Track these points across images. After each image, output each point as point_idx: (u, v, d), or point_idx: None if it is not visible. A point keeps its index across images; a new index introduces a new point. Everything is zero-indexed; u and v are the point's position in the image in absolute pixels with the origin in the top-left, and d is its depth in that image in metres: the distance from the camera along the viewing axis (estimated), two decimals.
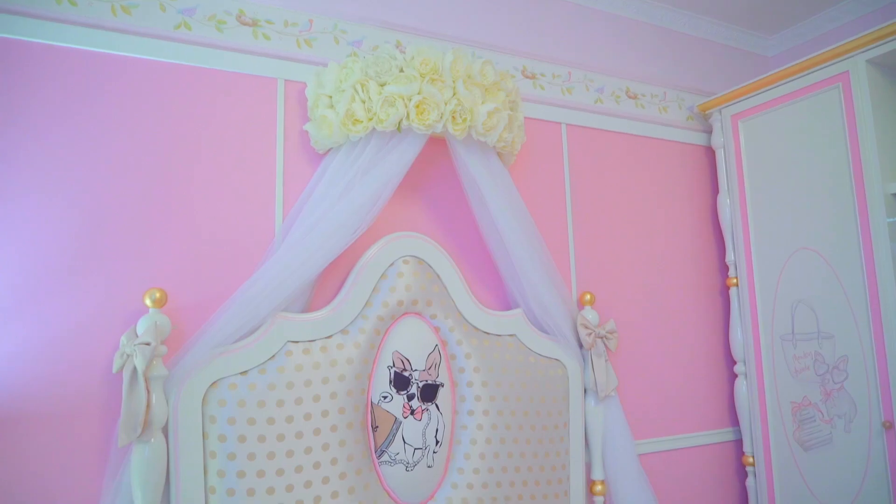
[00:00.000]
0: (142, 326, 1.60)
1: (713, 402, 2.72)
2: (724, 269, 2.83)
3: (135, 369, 1.55)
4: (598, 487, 2.27)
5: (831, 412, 2.31)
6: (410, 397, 1.92)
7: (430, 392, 1.95)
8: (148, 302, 1.63)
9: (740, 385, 2.65)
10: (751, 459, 2.60)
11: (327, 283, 1.96)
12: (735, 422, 2.75)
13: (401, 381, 1.90)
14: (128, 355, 1.57)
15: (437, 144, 2.11)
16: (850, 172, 2.24)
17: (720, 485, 2.69)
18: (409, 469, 1.89)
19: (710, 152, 2.90)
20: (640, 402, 2.50)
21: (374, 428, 1.87)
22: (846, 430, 2.25)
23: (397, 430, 1.89)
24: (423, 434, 1.93)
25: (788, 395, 2.45)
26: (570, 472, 2.18)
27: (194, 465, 1.61)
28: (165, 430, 1.61)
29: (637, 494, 2.21)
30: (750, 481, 2.61)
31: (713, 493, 2.67)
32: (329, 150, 1.97)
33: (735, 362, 2.69)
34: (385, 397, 1.88)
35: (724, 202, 2.71)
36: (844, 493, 2.24)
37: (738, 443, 2.75)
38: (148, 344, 1.55)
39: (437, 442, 1.95)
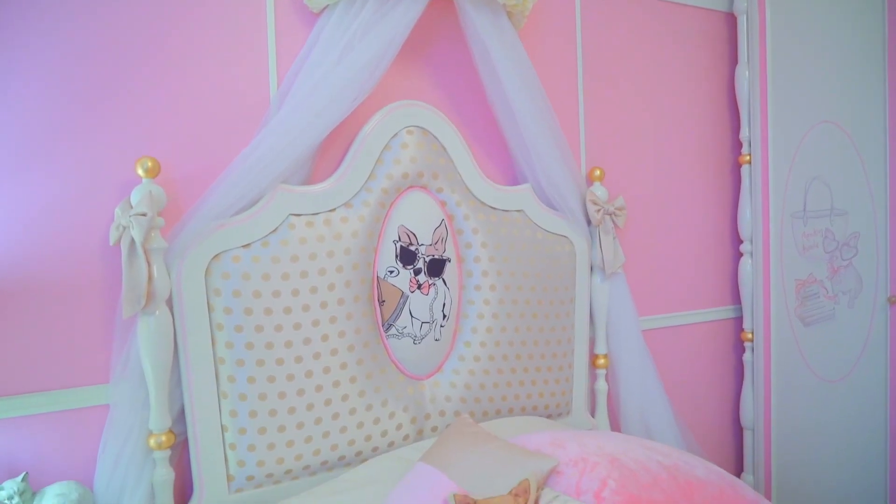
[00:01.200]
0: (136, 197, 1.52)
1: (717, 280, 2.73)
2: (737, 146, 2.73)
3: (133, 241, 1.49)
4: (601, 361, 2.31)
5: (836, 289, 2.31)
6: (417, 272, 1.88)
7: (436, 267, 1.92)
8: (140, 171, 1.54)
9: (745, 263, 2.63)
10: (750, 335, 2.64)
11: (328, 155, 1.87)
12: (736, 300, 2.76)
13: (407, 256, 1.86)
14: (124, 227, 1.50)
15: (442, 4, 1.93)
16: (883, 43, 2.09)
17: (719, 360, 2.75)
18: (417, 342, 1.90)
19: (731, 19, 2.70)
20: (645, 279, 2.49)
21: (381, 302, 1.85)
22: (849, 305, 2.26)
23: (404, 304, 1.87)
24: (431, 308, 1.91)
25: (794, 272, 2.44)
26: (574, 346, 2.20)
27: (202, 338, 1.60)
28: (170, 303, 1.58)
29: (639, 368, 2.25)
30: (747, 356, 2.66)
31: (712, 367, 2.73)
32: (325, 7, 1.80)
33: (741, 241, 2.66)
34: (391, 272, 1.85)
35: (743, 74, 2.56)
36: (841, 366, 2.29)
37: (738, 320, 2.78)
38: (144, 214, 1.48)
39: (445, 316, 1.95)
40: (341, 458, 1.76)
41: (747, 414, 2.65)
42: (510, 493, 1.20)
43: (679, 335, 2.62)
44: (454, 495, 1.21)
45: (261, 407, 1.63)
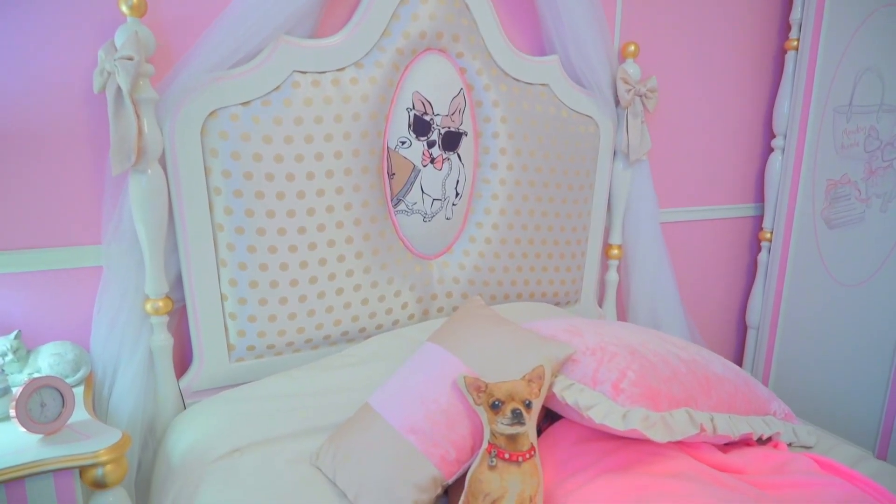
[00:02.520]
0: (120, 38, 1.35)
1: (741, 176, 2.59)
2: (785, 29, 2.48)
3: (119, 89, 1.33)
4: (615, 252, 2.22)
5: (870, 191, 2.18)
6: (431, 144, 1.74)
7: (452, 140, 1.77)
8: (124, 8, 1.35)
9: (775, 160, 2.48)
10: (768, 235, 2.54)
11: (336, 9, 1.66)
12: (759, 198, 2.64)
13: (421, 126, 1.71)
14: (109, 73, 1.34)
15: None
16: None
17: (732, 259, 2.68)
18: (427, 220, 1.79)
19: None
20: (666, 168, 2.35)
21: (391, 175, 1.72)
22: (882, 209, 2.15)
23: (415, 178, 1.74)
24: (443, 185, 1.79)
25: (827, 171, 2.30)
26: (589, 234, 2.11)
27: (198, 202, 1.49)
28: (163, 162, 1.45)
29: (653, 260, 2.17)
30: (763, 256, 2.58)
31: (724, 265, 2.66)
32: None
33: (774, 136, 2.49)
34: (403, 142, 1.70)
35: None
36: (861, 272, 2.21)
37: (757, 219, 2.68)
38: (130, 58, 1.31)
39: (457, 194, 1.83)
40: (344, 333, 1.71)
41: (754, 313, 2.61)
42: (523, 378, 1.14)
43: (694, 230, 2.52)
44: (465, 377, 1.15)
45: (262, 277, 1.55)
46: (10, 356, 1.35)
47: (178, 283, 1.55)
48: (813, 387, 2.34)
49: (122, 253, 1.46)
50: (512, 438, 1.07)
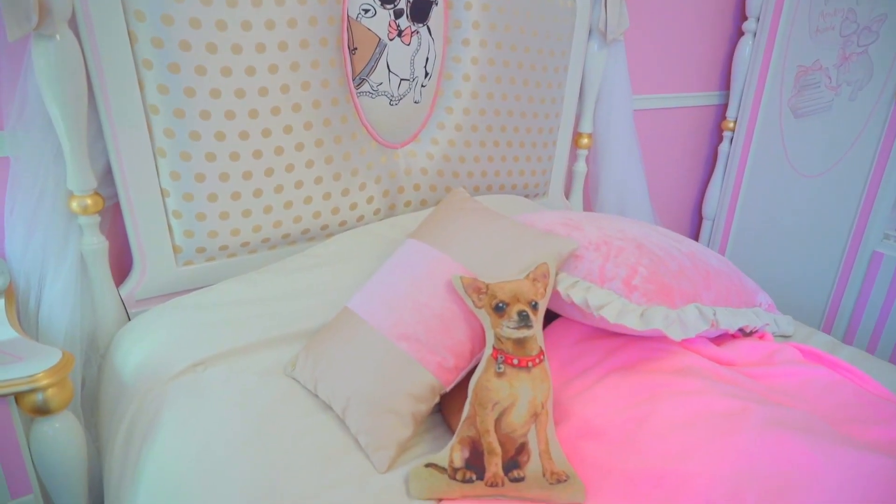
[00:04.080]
0: None
1: (708, 62, 2.49)
2: None
3: None
4: (585, 140, 2.12)
5: (841, 79, 2.14)
6: (398, 14, 1.52)
7: (421, 10, 1.55)
8: None
9: (745, 45, 2.39)
10: (731, 125, 2.50)
11: None
12: (723, 86, 2.58)
13: None
14: None
15: None
16: None
17: (691, 149, 2.64)
18: (394, 103, 1.60)
19: None
20: (635, 54, 2.21)
21: (353, 50, 1.50)
22: (851, 98, 2.12)
23: (381, 54, 1.53)
24: (412, 62, 1.59)
25: (798, 57, 2.23)
26: (560, 121, 1.98)
27: (124, 77, 1.24)
28: (74, 26, 1.18)
29: (625, 148, 2.09)
30: (723, 146, 2.56)
31: (683, 155, 2.63)
32: None
33: (746, 18, 2.39)
34: (366, 11, 1.48)
35: None
36: (824, 161, 2.22)
37: (720, 108, 2.63)
38: None
39: (427, 74, 1.64)
40: (305, 231, 1.55)
41: (711, 204, 2.63)
42: (527, 277, 1.04)
43: (655, 119, 2.44)
44: (461, 278, 1.04)
45: (209, 169, 1.35)
46: None
47: (108, 176, 1.32)
48: (764, 276, 2.41)
49: (32, 141, 1.22)
50: (519, 343, 0.99)
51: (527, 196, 2.00)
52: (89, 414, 1.33)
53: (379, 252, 1.46)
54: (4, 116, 1.22)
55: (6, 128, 1.21)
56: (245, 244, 1.47)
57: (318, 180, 1.51)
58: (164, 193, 1.35)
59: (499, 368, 0.98)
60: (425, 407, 1.05)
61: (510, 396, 0.96)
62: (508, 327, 0.99)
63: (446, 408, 1.11)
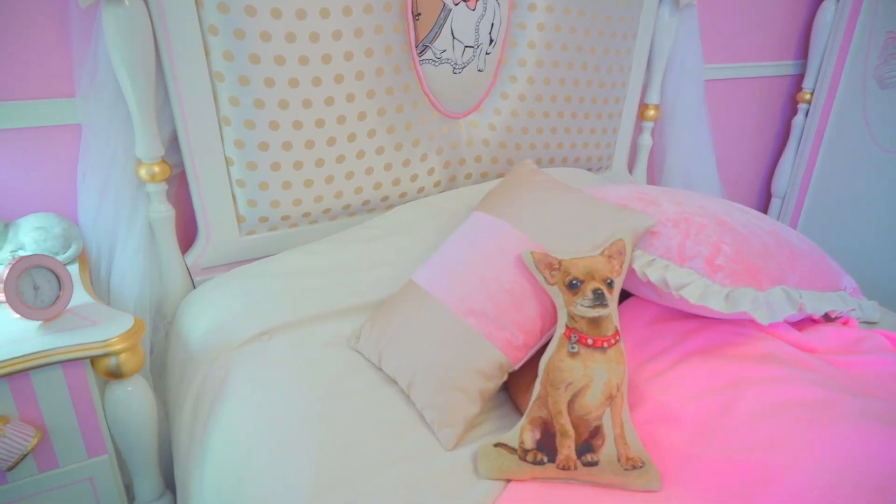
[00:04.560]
0: None
1: (785, 28, 2.34)
2: None
3: None
4: (651, 112, 2.03)
5: None
6: None
7: None
8: None
9: (827, 9, 2.23)
10: (808, 96, 2.36)
11: None
12: (800, 55, 2.42)
13: None
14: None
15: None
16: None
17: (763, 122, 2.50)
18: (457, 71, 1.56)
19: None
20: (706, 21, 2.09)
21: (416, 15, 1.45)
22: None
23: (445, 19, 1.48)
24: (477, 28, 1.53)
25: (888, 22, 2.07)
26: (627, 91, 1.89)
27: (190, 44, 1.22)
28: None
29: (694, 121, 1.99)
30: (798, 119, 2.41)
31: (753, 130, 2.50)
32: None
33: None
34: None
35: None
36: None
37: (796, 78, 2.47)
38: None
39: (491, 41, 1.58)
40: (365, 202, 1.53)
41: (781, 181, 2.49)
42: (602, 254, 1.00)
43: (725, 90, 2.31)
44: (532, 253, 1.00)
45: (273, 138, 1.33)
46: None
47: (174, 143, 1.33)
48: (839, 259, 2.28)
49: (103, 108, 1.23)
50: (594, 322, 0.95)
51: (589, 169, 1.93)
52: (157, 379, 1.35)
53: (441, 224, 1.43)
54: (76, 83, 1.22)
55: (78, 94, 1.22)
56: (306, 214, 1.46)
57: (380, 150, 1.49)
58: (228, 162, 1.35)
59: (572, 348, 0.94)
60: (493, 384, 1.03)
61: (584, 378, 0.92)
62: (583, 305, 0.95)
63: (513, 386, 1.09)
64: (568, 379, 0.92)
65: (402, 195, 1.58)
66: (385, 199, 1.56)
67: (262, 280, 1.32)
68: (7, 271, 0.99)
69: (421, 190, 1.61)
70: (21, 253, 1.19)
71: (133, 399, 1.08)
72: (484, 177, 1.72)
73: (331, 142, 1.40)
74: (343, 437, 0.97)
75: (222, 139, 1.32)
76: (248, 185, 1.37)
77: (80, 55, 1.21)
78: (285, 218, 1.44)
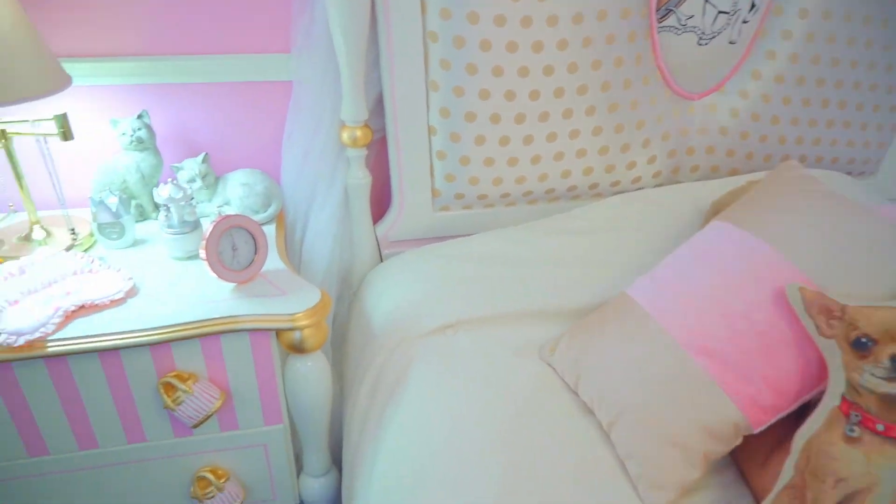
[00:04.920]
0: None
1: None
2: None
3: None
4: None
5: None
6: None
7: None
8: None
9: None
10: None
11: None
12: None
13: None
14: None
15: None
16: None
17: None
18: (703, 42, 1.29)
19: None
20: None
21: None
22: None
23: None
24: None
25: None
26: None
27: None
28: None
29: None
30: None
31: None
32: None
33: None
34: None
35: None
36: None
37: None
38: None
39: (753, 6, 1.28)
40: (571, 188, 1.35)
41: None
42: None
43: None
44: (801, 289, 0.76)
45: (481, 108, 1.20)
46: (198, 182, 1.17)
47: (377, 108, 1.25)
48: None
49: (314, 66, 1.18)
50: (889, 401, 0.69)
51: (849, 173, 1.55)
52: (336, 350, 1.32)
53: (662, 225, 1.21)
54: (293, 39, 1.18)
55: (293, 50, 1.18)
56: (505, 195, 1.32)
57: (597, 131, 1.29)
58: (431, 131, 1.24)
59: (851, 431, 0.70)
60: (722, 448, 0.82)
61: (866, 477, 0.68)
62: (874, 376, 0.70)
63: (745, 451, 0.86)
64: (840, 472, 0.69)
65: (615, 184, 1.37)
66: (594, 186, 1.36)
67: (452, 263, 1.22)
68: (210, 230, 0.97)
69: (637, 180, 1.39)
70: (226, 208, 1.20)
71: (312, 374, 1.04)
72: (714, 171, 1.44)
73: (543, 117, 1.23)
74: (529, 468, 0.83)
75: (428, 106, 1.22)
76: (449, 158, 1.26)
77: (298, 11, 1.17)
78: (482, 197, 1.31)
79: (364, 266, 1.33)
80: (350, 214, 1.30)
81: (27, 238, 1.09)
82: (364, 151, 1.25)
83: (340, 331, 1.34)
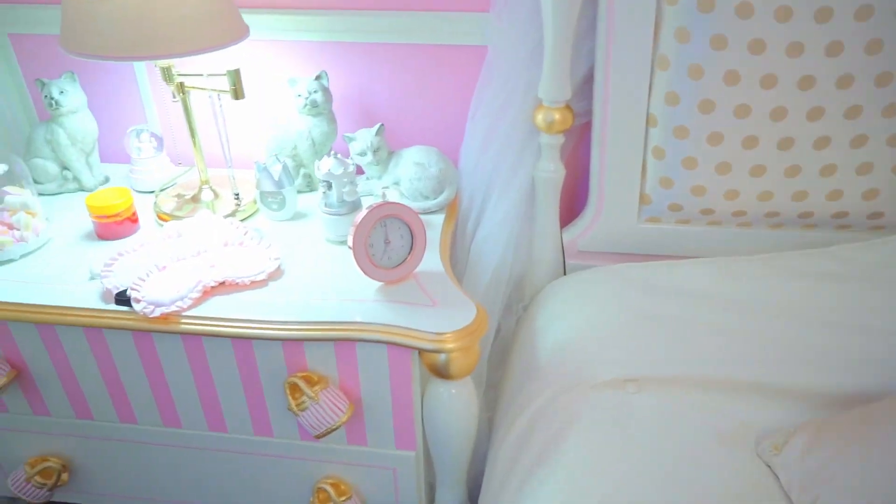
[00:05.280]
0: None
1: None
2: None
3: None
4: None
5: None
6: None
7: None
8: None
9: None
10: None
11: None
12: None
13: None
14: None
15: None
16: None
17: None
18: None
19: None
20: None
21: None
22: None
23: None
24: None
25: None
26: None
27: None
28: None
29: None
30: None
31: None
32: None
33: None
34: None
35: None
36: None
37: None
38: None
39: None
40: (838, 214, 0.99)
41: None
42: None
43: None
44: None
45: (724, 97, 0.91)
46: (369, 156, 1.04)
47: (582, 88, 1.01)
48: None
49: (514, 29, 0.97)
50: None
51: None
52: (494, 369, 1.13)
53: None
54: None
55: (491, 9, 0.98)
56: (739, 213, 1.01)
57: (894, 140, 0.91)
58: (650, 121, 0.98)
59: None
60: None
61: None
62: None
63: None
64: None
65: (876, 218, 0.98)
66: (805, 215, 0.99)
67: (651, 293, 0.96)
68: (362, 216, 0.83)
69: None
70: (393, 189, 1.07)
71: (455, 403, 0.87)
72: None
73: (815, 114, 0.89)
74: None
75: (650, 88, 0.95)
76: (668, 157, 0.98)
77: None
78: (707, 211, 1.02)
79: (542, 276, 1.12)
80: (533, 213, 1.09)
81: (195, 199, 1.06)
82: (560, 139, 1.02)
83: (502, 346, 1.14)
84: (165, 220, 1.01)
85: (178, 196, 1.07)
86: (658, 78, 0.93)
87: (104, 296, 0.86)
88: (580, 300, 1.00)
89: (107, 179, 1.15)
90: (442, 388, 0.86)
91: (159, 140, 1.14)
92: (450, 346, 0.79)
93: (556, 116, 0.99)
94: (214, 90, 0.95)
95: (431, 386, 0.87)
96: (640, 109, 0.97)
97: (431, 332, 0.80)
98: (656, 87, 0.94)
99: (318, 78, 1.03)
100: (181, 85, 0.97)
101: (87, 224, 1.01)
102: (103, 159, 1.18)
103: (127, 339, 0.87)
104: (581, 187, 1.12)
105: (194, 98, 1.00)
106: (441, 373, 0.83)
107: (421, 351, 0.82)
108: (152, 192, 1.10)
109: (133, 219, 1.01)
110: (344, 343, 0.83)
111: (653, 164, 1.00)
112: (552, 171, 1.05)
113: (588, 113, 1.02)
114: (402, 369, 0.85)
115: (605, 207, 1.07)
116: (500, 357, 1.14)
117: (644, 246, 1.09)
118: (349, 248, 0.84)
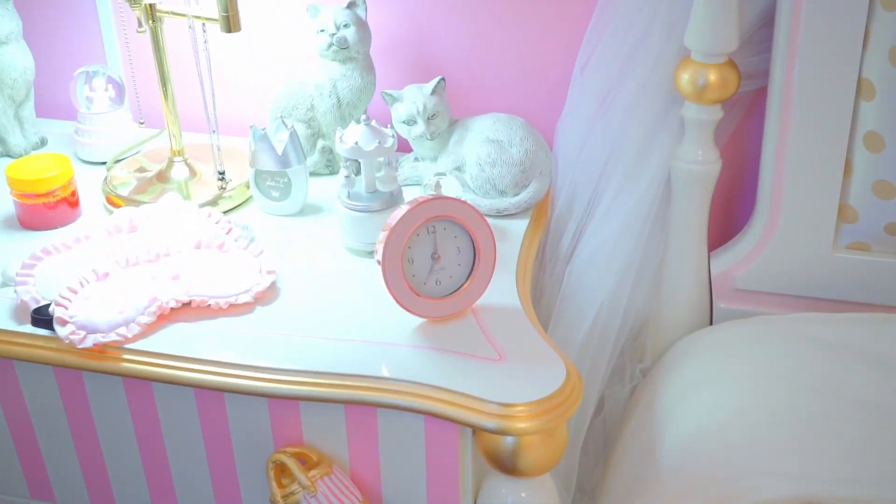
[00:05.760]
0: None
1: None
2: None
3: None
4: None
5: None
6: None
7: None
8: None
9: None
10: None
11: None
12: None
13: None
14: None
15: None
16: None
17: None
18: None
19: None
20: None
21: None
22: None
23: None
24: None
25: None
26: None
27: None
28: None
29: None
30: None
31: None
32: None
33: None
34: None
35: None
36: None
37: None
38: None
39: None
40: None
41: None
42: None
43: None
44: None
45: None
46: (419, 125, 1.07)
47: (754, 37, 1.06)
48: None
49: None
50: None
51: None
52: (590, 465, 1.16)
53: None
54: None
55: None
56: None
57: None
58: (862, 90, 1.01)
59: None
60: None
61: None
62: None
63: None
64: None
65: None
66: None
67: (853, 366, 1.00)
68: (399, 216, 0.82)
69: None
70: (454, 176, 1.09)
71: None
72: None
73: None
74: None
75: (867, 37, 0.97)
76: (890, 150, 1.01)
77: None
78: None
79: (675, 325, 1.18)
80: (667, 225, 1.13)
81: (162, 176, 1.10)
82: (716, 112, 1.06)
83: (606, 431, 1.19)
84: (117, 206, 1.05)
85: (139, 171, 1.12)
86: (879, 20, 0.94)
87: (17, 312, 0.89)
88: (735, 368, 1.04)
89: (43, 142, 1.23)
90: (505, 489, 0.87)
91: (119, 88, 1.21)
92: (522, 425, 0.78)
93: (712, 77, 1.01)
94: (198, 17, 0.99)
95: (490, 483, 0.89)
96: (848, 73, 0.99)
97: (494, 403, 0.79)
98: (875, 37, 0.96)
99: (350, 5, 1.06)
100: (150, 7, 1.00)
101: (6, 204, 1.05)
102: (39, 113, 1.24)
103: (46, 376, 0.90)
104: (744, 190, 1.19)
105: (169, 28, 1.03)
106: (506, 465, 0.83)
107: (476, 429, 0.82)
108: (104, 163, 1.15)
109: (72, 201, 1.05)
110: (360, 408, 0.85)
111: (864, 158, 1.03)
112: (701, 162, 1.08)
113: (762, 75, 1.06)
114: (447, 455, 0.86)
115: (782, 224, 1.10)
116: (600, 447, 1.18)
117: (842, 287, 1.13)
118: (378, 262, 0.84)
